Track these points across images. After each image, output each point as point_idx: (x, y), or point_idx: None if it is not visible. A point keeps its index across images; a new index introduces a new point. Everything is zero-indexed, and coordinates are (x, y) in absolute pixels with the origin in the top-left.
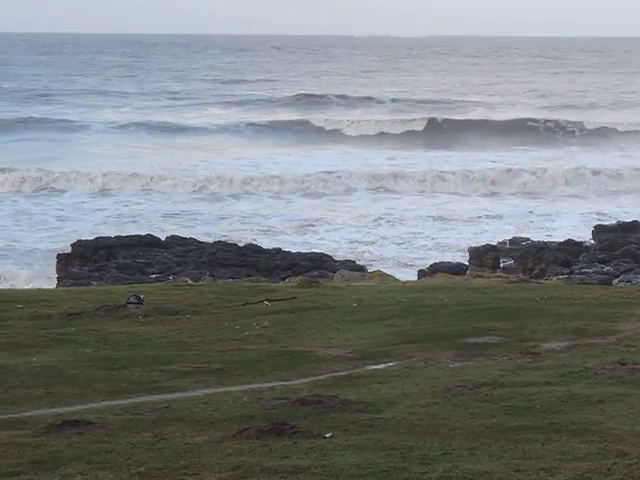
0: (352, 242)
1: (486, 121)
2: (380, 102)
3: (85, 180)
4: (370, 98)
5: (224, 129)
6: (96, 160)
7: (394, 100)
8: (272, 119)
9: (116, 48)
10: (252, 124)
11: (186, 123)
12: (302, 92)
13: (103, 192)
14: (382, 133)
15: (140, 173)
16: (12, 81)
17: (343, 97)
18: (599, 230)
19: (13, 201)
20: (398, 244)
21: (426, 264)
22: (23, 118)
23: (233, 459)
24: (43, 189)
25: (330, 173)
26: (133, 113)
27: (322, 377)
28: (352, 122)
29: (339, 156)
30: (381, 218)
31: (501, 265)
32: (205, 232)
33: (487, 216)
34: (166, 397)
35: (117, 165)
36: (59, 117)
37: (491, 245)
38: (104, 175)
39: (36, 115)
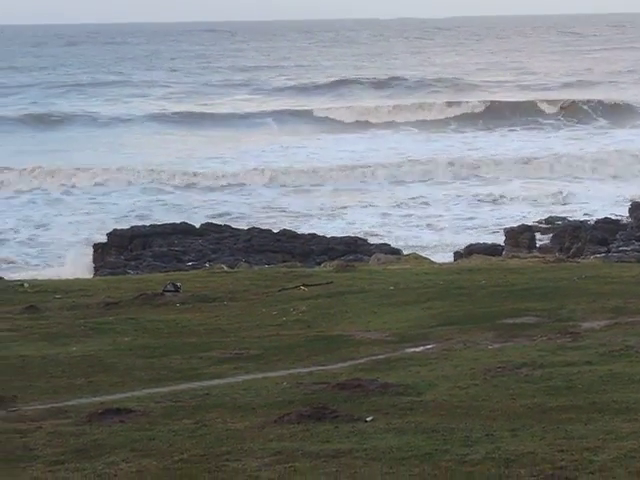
0: (384, 225)
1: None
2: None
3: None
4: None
5: (279, 115)
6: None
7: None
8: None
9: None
10: (304, 111)
11: (225, 112)
12: (348, 76)
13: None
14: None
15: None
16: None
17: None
18: (636, 208)
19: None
20: (430, 225)
21: (462, 246)
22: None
23: (275, 444)
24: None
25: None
26: (179, 103)
27: (361, 361)
28: (415, 105)
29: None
30: (416, 198)
31: (537, 245)
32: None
33: (524, 198)
34: (206, 384)
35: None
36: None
37: (527, 225)
38: (194, 174)
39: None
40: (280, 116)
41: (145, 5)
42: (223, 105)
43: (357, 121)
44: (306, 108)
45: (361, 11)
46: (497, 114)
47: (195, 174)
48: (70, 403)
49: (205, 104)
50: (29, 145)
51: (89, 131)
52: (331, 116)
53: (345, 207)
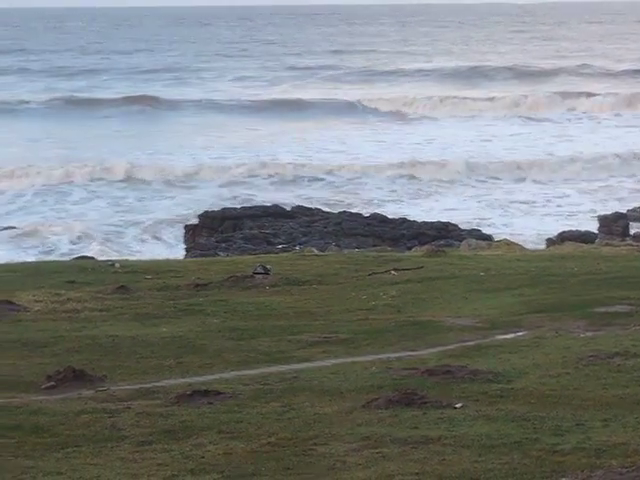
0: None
1: None
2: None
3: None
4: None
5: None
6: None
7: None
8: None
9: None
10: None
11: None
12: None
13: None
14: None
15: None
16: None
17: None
18: None
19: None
20: (525, 212)
21: (554, 232)
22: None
23: (363, 429)
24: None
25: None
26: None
27: (451, 347)
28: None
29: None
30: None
31: (631, 233)
32: None
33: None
34: (294, 367)
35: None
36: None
37: (620, 213)
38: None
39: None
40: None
41: None
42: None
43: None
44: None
45: None
46: None
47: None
48: (159, 384)
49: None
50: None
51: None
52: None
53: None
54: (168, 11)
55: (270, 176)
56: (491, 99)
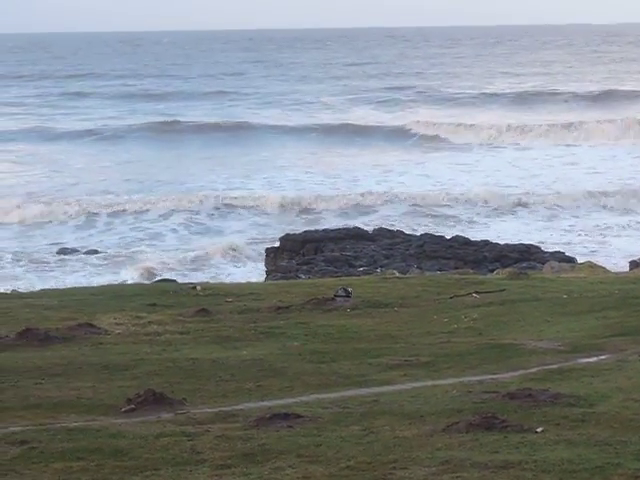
0: (565, 233)
1: None
2: None
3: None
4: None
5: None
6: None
7: None
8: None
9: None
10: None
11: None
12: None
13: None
14: None
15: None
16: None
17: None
18: None
19: None
20: (607, 235)
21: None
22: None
23: (442, 453)
24: None
25: None
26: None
27: (532, 370)
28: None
29: None
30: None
31: None
32: None
33: None
34: (375, 390)
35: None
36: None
37: None
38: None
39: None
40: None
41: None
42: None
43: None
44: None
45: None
46: None
47: None
48: (238, 407)
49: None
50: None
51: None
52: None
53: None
54: (224, 35)
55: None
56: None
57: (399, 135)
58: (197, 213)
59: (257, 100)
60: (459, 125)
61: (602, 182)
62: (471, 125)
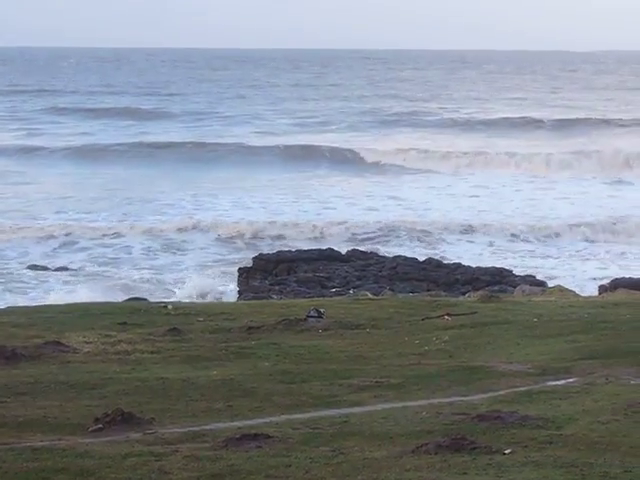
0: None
1: None
2: None
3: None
4: None
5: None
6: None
7: None
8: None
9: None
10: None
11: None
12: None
13: None
14: None
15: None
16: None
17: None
18: None
19: None
20: (577, 259)
21: (607, 279)
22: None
23: (411, 474)
24: None
25: None
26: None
27: (502, 393)
28: None
29: None
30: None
31: None
32: None
33: None
34: (345, 411)
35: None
36: None
37: None
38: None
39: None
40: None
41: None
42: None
43: None
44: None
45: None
46: None
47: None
48: (208, 427)
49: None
50: None
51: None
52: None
53: None
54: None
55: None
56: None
57: (358, 159)
58: (163, 232)
59: (229, 120)
60: (425, 151)
61: (571, 211)
62: (428, 151)
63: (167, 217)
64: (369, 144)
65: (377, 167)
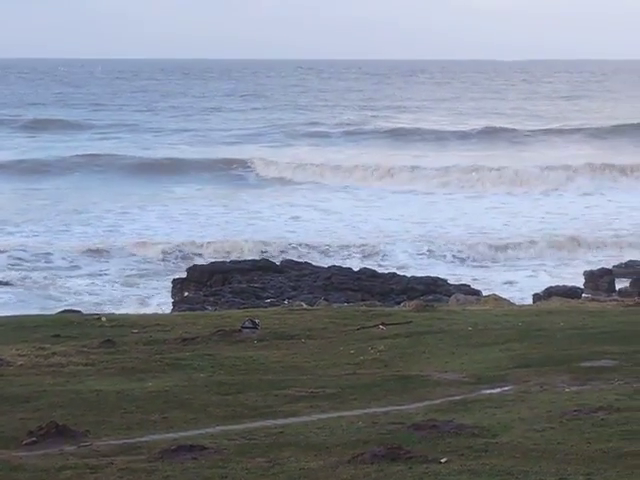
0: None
1: None
2: None
3: None
4: None
5: None
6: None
7: None
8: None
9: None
10: None
11: None
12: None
13: None
14: None
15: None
16: None
17: None
18: None
19: None
20: (508, 267)
21: (541, 288)
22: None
23: None
24: None
25: None
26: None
27: (437, 401)
28: None
29: None
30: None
31: (617, 288)
32: None
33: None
34: (281, 422)
35: None
36: None
37: (606, 269)
38: None
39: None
40: None
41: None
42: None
43: None
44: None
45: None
46: None
47: None
48: (143, 439)
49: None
50: None
51: None
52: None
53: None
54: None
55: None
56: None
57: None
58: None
59: (160, 132)
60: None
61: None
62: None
63: (93, 229)
64: (269, 156)
65: (266, 181)
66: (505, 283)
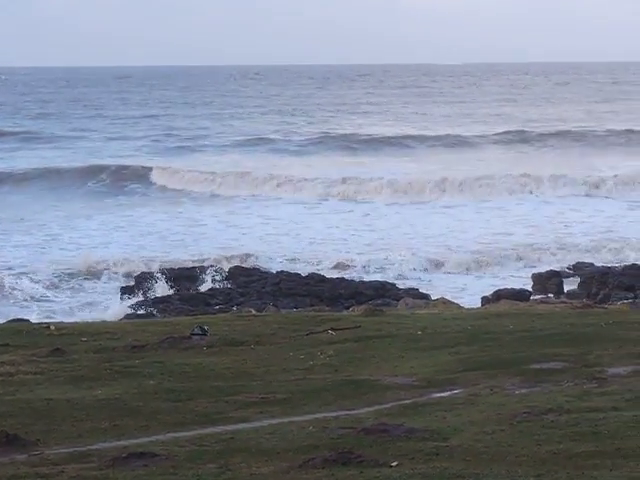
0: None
1: None
2: None
3: None
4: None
5: None
6: None
7: None
8: None
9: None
10: None
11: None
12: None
13: None
14: None
15: None
16: None
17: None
18: None
19: None
20: (459, 271)
21: (490, 291)
22: None
23: None
24: None
25: None
26: None
27: (387, 405)
28: None
29: None
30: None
31: (565, 291)
32: None
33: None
34: (231, 428)
35: None
36: None
37: (554, 271)
38: None
39: None
40: None
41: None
42: None
43: None
44: None
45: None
46: None
47: None
48: (94, 447)
49: None
50: None
51: None
52: None
53: None
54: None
55: None
56: None
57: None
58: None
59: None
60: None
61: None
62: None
63: (33, 238)
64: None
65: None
66: (453, 287)
